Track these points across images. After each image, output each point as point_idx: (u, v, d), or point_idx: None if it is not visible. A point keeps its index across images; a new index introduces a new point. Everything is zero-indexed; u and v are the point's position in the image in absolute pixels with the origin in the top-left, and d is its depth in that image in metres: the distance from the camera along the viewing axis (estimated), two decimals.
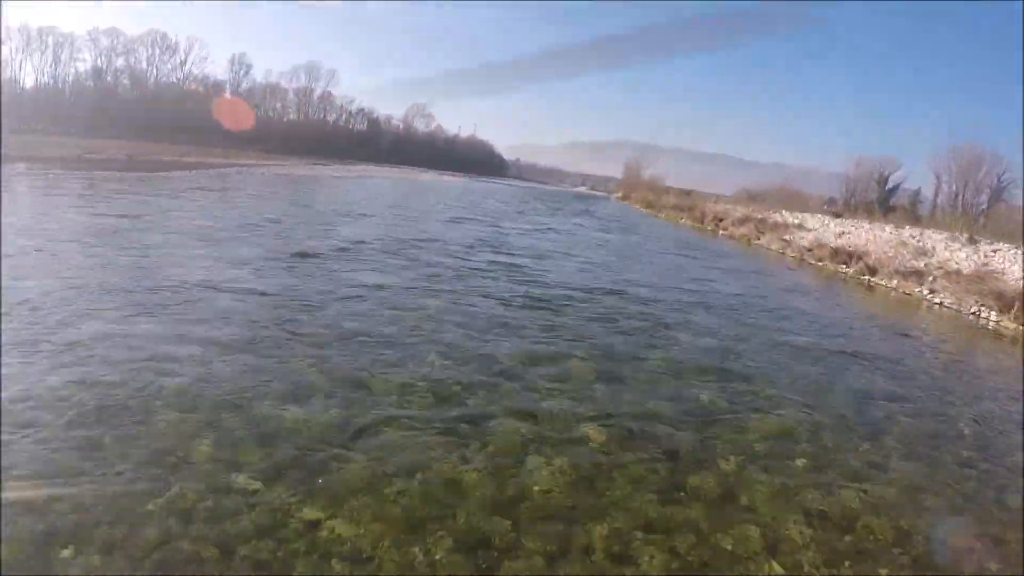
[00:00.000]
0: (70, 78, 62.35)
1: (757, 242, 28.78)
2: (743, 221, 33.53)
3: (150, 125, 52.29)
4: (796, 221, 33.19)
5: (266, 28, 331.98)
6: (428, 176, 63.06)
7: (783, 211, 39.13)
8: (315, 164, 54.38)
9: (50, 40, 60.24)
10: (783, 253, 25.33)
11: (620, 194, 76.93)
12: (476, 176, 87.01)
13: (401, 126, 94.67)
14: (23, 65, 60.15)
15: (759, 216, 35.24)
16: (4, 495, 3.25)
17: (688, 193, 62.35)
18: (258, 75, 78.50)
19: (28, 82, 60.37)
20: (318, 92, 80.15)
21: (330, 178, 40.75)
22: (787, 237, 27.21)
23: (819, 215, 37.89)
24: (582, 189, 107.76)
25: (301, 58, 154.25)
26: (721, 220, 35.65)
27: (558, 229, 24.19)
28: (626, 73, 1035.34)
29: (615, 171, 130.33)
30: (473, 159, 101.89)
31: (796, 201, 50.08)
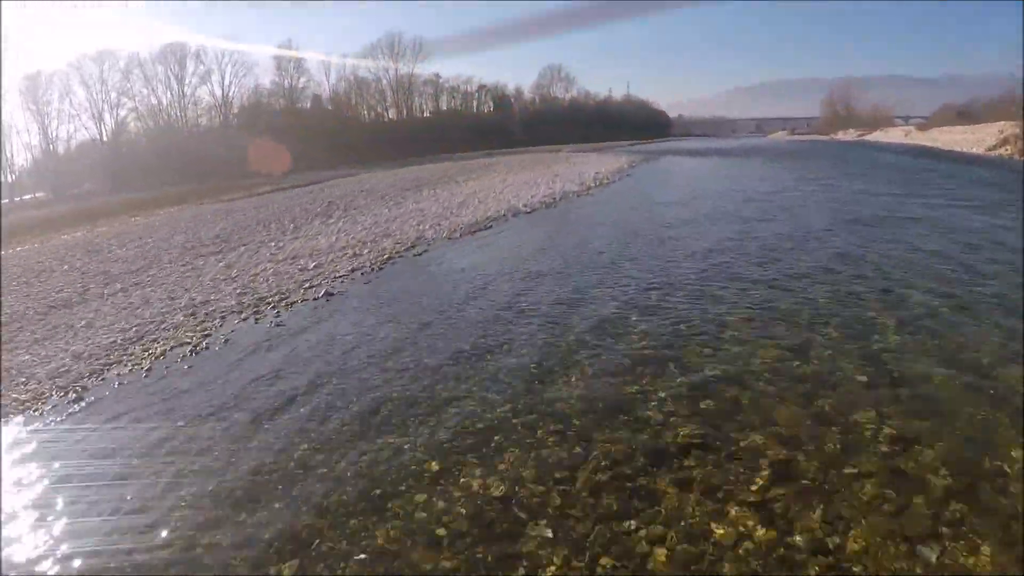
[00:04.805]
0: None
1: None
2: None
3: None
4: None
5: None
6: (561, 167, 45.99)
7: None
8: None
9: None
10: None
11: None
12: (635, 142, 67.45)
13: (536, 98, 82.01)
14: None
15: None
16: None
17: None
18: (311, 66, 66.92)
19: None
20: (415, 74, 70.54)
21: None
22: None
23: None
24: (781, 135, 79.16)
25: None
26: None
27: None
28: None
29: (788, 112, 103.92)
30: (632, 123, 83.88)
31: None
